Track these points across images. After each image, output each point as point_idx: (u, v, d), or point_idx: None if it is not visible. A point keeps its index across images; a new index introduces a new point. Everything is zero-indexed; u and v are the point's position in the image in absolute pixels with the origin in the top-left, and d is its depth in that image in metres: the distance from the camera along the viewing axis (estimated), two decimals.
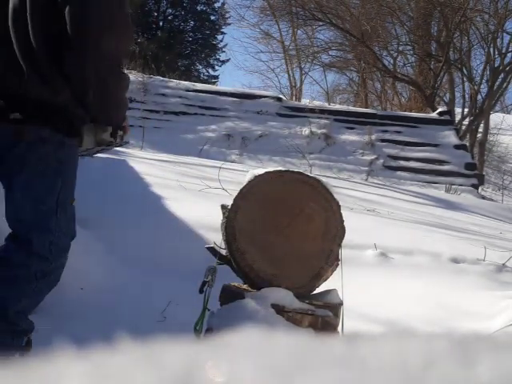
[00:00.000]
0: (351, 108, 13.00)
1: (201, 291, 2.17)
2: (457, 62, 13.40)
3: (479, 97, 13.25)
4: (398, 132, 10.64)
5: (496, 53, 13.59)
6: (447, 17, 12.88)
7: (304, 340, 0.34)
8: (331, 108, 12.06)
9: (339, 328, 2.11)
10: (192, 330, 2.14)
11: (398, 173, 9.94)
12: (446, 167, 10.09)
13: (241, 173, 4.58)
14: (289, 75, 17.28)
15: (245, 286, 2.19)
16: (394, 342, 0.33)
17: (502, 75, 13.26)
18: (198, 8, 21.16)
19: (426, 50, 13.69)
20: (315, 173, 7.37)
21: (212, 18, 21.33)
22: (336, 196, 2.20)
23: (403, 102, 14.56)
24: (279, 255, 2.11)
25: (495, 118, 15.10)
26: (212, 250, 2.27)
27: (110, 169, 5.31)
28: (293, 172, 2.21)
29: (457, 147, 10.48)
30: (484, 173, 12.50)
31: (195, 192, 5.02)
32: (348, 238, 2.20)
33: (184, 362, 0.31)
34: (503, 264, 3.77)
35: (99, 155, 2.20)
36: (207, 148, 9.67)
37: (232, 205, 2.16)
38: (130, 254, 3.25)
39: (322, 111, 10.91)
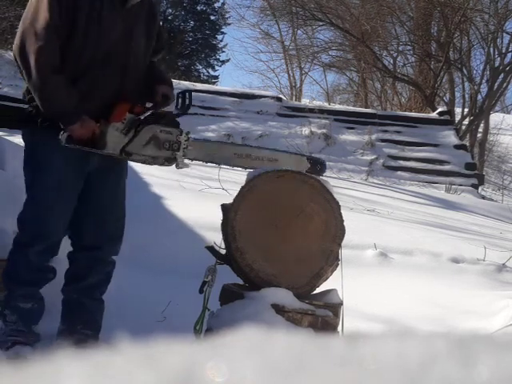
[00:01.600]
0: (351, 108, 12.99)
1: (201, 291, 2.17)
2: (457, 61, 13.39)
3: (479, 97, 13.25)
4: (398, 132, 10.64)
5: (496, 53, 13.59)
6: (447, 17, 12.87)
7: (304, 340, 0.34)
8: (331, 108, 12.05)
9: (339, 328, 2.11)
10: (192, 330, 2.14)
11: (398, 173, 9.93)
12: (446, 167, 10.09)
13: (241, 173, 4.57)
14: (289, 75, 17.28)
15: (245, 286, 2.19)
16: (394, 342, 0.33)
17: (502, 75, 13.25)
18: (198, 8, 21.14)
19: (425, 50, 13.68)
20: None
21: (212, 18, 21.31)
22: (336, 196, 2.19)
23: (403, 102, 14.55)
24: (279, 255, 2.11)
25: (495, 117, 15.09)
26: (212, 250, 2.27)
27: None
28: (293, 172, 2.21)
29: (457, 147, 10.48)
30: (484, 173, 12.49)
31: (195, 192, 5.02)
32: (348, 238, 2.20)
33: (184, 361, 0.31)
34: (503, 264, 3.77)
35: None
36: None
37: (232, 205, 2.16)
38: (130, 254, 3.25)
39: (322, 111, 10.90)
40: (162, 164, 2.23)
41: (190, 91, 2.31)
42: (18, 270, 2.23)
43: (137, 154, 2.16)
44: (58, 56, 2.10)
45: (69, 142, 2.10)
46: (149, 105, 2.29)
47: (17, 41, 2.12)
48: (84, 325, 2.30)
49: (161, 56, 2.51)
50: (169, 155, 2.20)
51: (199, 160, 2.33)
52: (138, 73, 2.29)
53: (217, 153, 2.31)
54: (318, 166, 2.37)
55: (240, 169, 2.41)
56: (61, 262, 2.43)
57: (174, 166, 2.26)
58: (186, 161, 2.27)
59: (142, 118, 2.15)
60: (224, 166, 2.48)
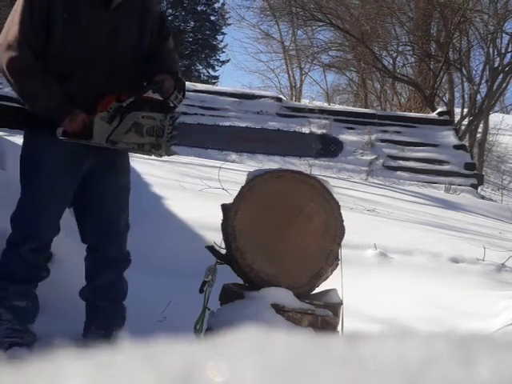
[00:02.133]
0: (351, 108, 12.98)
1: (201, 291, 2.17)
2: (456, 62, 13.39)
3: (478, 97, 13.26)
4: (398, 132, 10.64)
5: (495, 53, 13.59)
6: (447, 17, 12.87)
7: (304, 340, 0.34)
8: (331, 108, 12.04)
9: (339, 328, 2.11)
10: (192, 330, 2.14)
11: (398, 173, 9.93)
12: (445, 167, 10.09)
13: (241, 173, 4.57)
14: (289, 75, 17.29)
15: (245, 286, 2.19)
16: (394, 342, 0.33)
17: (501, 75, 13.25)
18: (198, 8, 21.14)
19: (425, 51, 13.69)
20: (315, 173, 7.35)
21: (212, 18, 21.31)
22: (336, 196, 2.19)
23: (403, 102, 14.55)
24: (279, 255, 2.11)
25: (494, 118, 15.09)
26: (212, 250, 2.27)
27: None
28: (293, 172, 2.21)
29: (456, 147, 10.48)
30: (483, 173, 12.49)
31: (195, 192, 5.02)
32: (348, 237, 2.20)
33: (184, 361, 0.31)
34: (503, 264, 3.77)
35: None
36: None
37: (232, 205, 2.16)
38: (130, 253, 3.25)
39: (322, 111, 10.89)
40: (149, 151, 2.18)
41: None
42: (11, 268, 2.26)
43: (121, 141, 2.14)
44: (32, 62, 2.14)
45: (64, 136, 2.14)
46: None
47: None
48: (97, 325, 2.33)
49: (171, 43, 2.40)
50: (153, 141, 2.15)
51: (191, 145, 2.27)
52: (130, 70, 2.25)
53: (209, 136, 2.25)
54: (332, 146, 2.22)
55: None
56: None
57: (164, 154, 2.20)
58: (174, 147, 2.21)
59: (124, 105, 2.13)
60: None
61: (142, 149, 2.17)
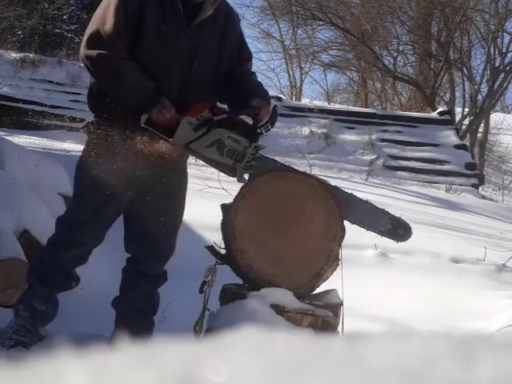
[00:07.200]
0: (351, 108, 12.98)
1: (201, 291, 2.17)
2: (457, 61, 13.39)
3: (479, 96, 13.25)
4: (398, 132, 10.64)
5: (496, 52, 13.58)
6: (448, 16, 12.87)
7: (304, 340, 0.34)
8: (331, 108, 12.05)
9: (339, 328, 2.11)
10: (192, 330, 2.14)
11: (398, 173, 9.93)
12: (446, 167, 10.09)
13: None
14: (289, 75, 17.29)
15: (245, 286, 2.19)
16: (394, 342, 0.33)
17: (502, 75, 13.25)
18: None
19: (426, 50, 13.69)
20: (315, 173, 7.34)
21: None
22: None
23: (403, 102, 14.55)
24: (279, 255, 2.11)
25: (495, 117, 15.08)
26: (212, 250, 2.27)
27: None
28: (293, 172, 2.21)
29: (457, 147, 10.47)
30: (484, 173, 12.48)
31: (195, 192, 5.02)
32: (348, 238, 2.20)
33: (184, 362, 0.31)
34: (503, 264, 3.77)
35: None
36: None
37: (232, 205, 2.15)
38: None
39: (322, 111, 10.90)
40: (223, 171, 2.13)
41: (274, 106, 2.19)
42: (44, 269, 2.24)
43: (199, 153, 2.08)
44: (126, 54, 2.06)
45: (147, 124, 2.05)
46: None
47: (83, 44, 2.08)
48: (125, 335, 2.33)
49: (251, 66, 2.38)
50: (229, 163, 2.08)
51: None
52: (204, 91, 2.18)
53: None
54: (400, 230, 2.34)
55: None
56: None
57: (237, 178, 2.13)
58: (246, 176, 2.15)
59: (215, 119, 2.07)
60: None
61: (217, 166, 2.12)
